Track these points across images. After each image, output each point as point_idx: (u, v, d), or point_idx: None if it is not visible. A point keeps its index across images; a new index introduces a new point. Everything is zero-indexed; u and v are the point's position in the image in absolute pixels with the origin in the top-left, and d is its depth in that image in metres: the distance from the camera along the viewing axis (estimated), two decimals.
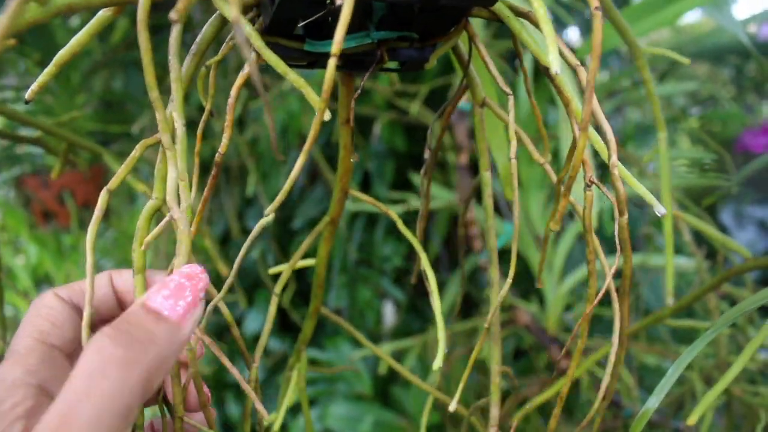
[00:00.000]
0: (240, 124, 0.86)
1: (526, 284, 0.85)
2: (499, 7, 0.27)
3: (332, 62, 0.20)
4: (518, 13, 0.27)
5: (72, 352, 0.25)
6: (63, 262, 0.92)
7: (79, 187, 0.87)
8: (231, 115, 0.25)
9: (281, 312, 0.92)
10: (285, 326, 1.00)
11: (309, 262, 0.40)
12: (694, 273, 0.74)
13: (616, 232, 0.27)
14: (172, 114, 0.24)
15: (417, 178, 0.84)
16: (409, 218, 0.89)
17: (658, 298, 0.86)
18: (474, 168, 0.75)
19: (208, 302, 0.27)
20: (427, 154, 0.37)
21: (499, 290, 0.33)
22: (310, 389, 0.93)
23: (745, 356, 0.36)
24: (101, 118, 0.84)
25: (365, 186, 0.93)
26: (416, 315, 1.02)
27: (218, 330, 1.01)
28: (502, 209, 0.77)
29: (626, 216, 0.26)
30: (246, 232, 1.00)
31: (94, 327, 0.23)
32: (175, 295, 0.22)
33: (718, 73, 1.49)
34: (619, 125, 1.04)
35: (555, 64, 0.21)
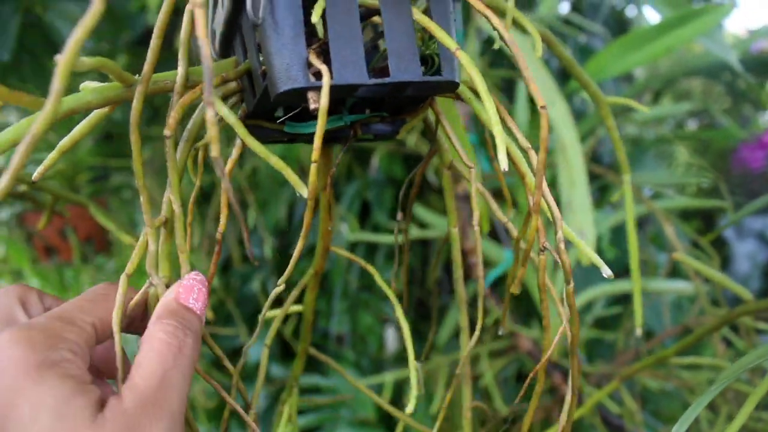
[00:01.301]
0: (239, 156, 0.86)
1: (526, 308, 0.85)
2: (462, 89, 0.29)
3: (313, 168, 0.24)
4: (478, 95, 0.29)
5: None
6: (66, 294, 0.93)
7: (80, 222, 0.88)
8: (225, 197, 0.27)
9: (285, 339, 0.92)
10: (288, 354, 1.01)
11: (297, 308, 0.42)
12: (694, 297, 0.74)
13: (564, 294, 0.29)
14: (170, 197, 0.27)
15: (415, 207, 0.84)
16: (410, 248, 0.90)
17: (659, 320, 0.86)
18: None
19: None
20: (399, 217, 0.39)
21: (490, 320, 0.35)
22: (313, 416, 0.93)
23: (763, 388, 0.36)
24: (101, 151, 0.84)
25: (365, 214, 0.94)
26: (419, 339, 1.02)
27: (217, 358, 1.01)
28: (500, 236, 0.77)
29: (572, 284, 0.28)
30: (247, 260, 1.01)
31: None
32: (190, 293, 0.28)
33: (713, 86, 1.50)
34: (610, 145, 1.04)
35: (503, 163, 0.24)
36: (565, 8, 1.03)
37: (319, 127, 0.23)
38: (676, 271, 0.90)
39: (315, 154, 0.24)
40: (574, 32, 0.85)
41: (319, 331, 0.99)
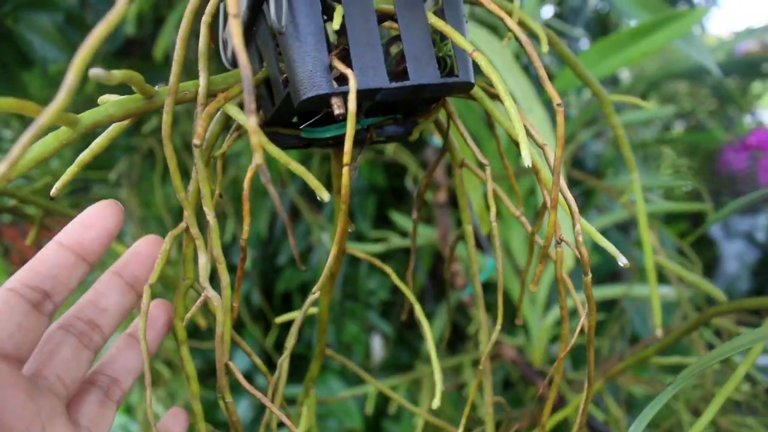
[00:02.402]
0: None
1: (510, 317, 0.84)
2: (474, 90, 0.30)
3: (346, 170, 0.25)
4: (491, 95, 0.30)
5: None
6: None
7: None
8: (247, 204, 0.27)
9: (267, 351, 0.91)
10: (271, 365, 1.00)
11: (292, 315, 0.42)
12: (677, 302, 0.74)
13: (584, 285, 0.29)
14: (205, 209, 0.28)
15: (397, 216, 0.84)
16: (390, 255, 0.89)
17: (645, 324, 0.86)
18: (452, 204, 0.75)
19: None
20: (415, 216, 0.39)
21: (487, 330, 0.37)
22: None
23: (730, 387, 0.36)
24: (92, 164, 0.83)
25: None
26: (405, 347, 1.01)
27: (208, 369, 1.00)
28: (482, 243, 0.77)
29: (590, 276, 0.28)
30: (231, 268, 1.00)
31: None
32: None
33: (699, 88, 1.50)
34: (601, 150, 1.04)
35: (527, 159, 0.24)
36: (547, 13, 1.02)
37: (349, 132, 0.24)
38: (662, 276, 0.90)
39: (346, 157, 0.24)
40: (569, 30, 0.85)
41: (304, 341, 0.98)
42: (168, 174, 0.88)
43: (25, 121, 0.90)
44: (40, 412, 0.24)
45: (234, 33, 0.20)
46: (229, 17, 0.20)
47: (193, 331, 0.91)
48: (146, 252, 0.29)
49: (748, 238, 1.59)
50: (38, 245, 0.93)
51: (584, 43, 1.02)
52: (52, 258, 0.26)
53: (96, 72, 0.22)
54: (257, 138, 0.21)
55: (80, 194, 0.92)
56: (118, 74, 0.23)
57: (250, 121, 0.20)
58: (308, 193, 0.89)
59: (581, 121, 0.78)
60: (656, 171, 1.17)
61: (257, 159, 0.21)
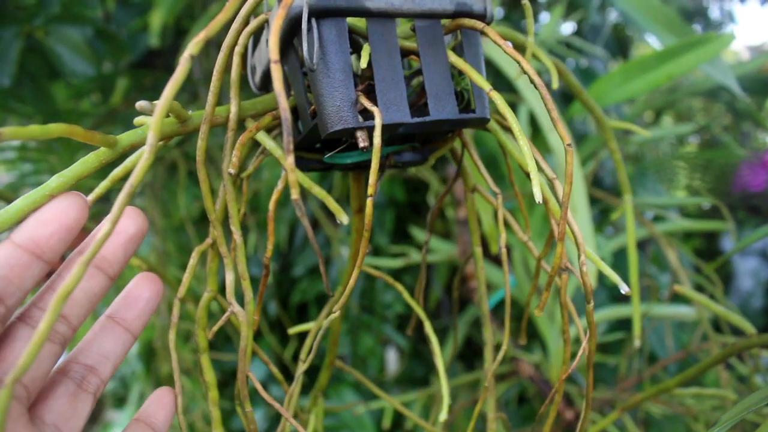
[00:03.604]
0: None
1: (529, 334, 0.84)
2: (490, 123, 0.32)
3: (369, 202, 0.26)
4: (504, 128, 0.31)
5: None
6: None
7: (74, 242, 0.87)
8: (272, 224, 0.29)
9: (284, 362, 0.91)
10: (289, 375, 1.00)
11: (307, 326, 0.43)
12: (696, 321, 0.74)
13: (586, 313, 0.31)
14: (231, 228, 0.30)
15: (416, 231, 0.84)
16: (409, 270, 0.90)
17: (662, 343, 0.86)
18: None
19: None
20: (427, 237, 0.40)
21: (492, 348, 0.39)
22: None
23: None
24: (103, 173, 0.84)
25: None
26: (420, 361, 1.01)
27: (223, 378, 1.00)
28: (502, 261, 0.77)
29: (592, 303, 0.30)
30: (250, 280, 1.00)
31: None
32: None
33: (713, 104, 1.50)
34: (611, 168, 1.04)
35: (538, 196, 0.25)
36: (566, 30, 1.03)
37: (374, 166, 0.25)
38: (678, 294, 0.89)
39: (370, 189, 0.26)
40: (575, 55, 0.85)
41: (319, 353, 0.98)
42: (189, 185, 0.89)
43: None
44: None
45: (275, 78, 0.21)
46: (271, 63, 0.21)
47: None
48: (118, 229, 0.27)
49: (763, 255, 1.58)
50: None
51: (600, 63, 1.02)
52: (2, 258, 0.24)
53: (142, 104, 0.25)
54: (294, 176, 0.22)
55: (102, 204, 0.92)
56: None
57: (288, 159, 0.21)
58: (328, 207, 0.89)
59: (601, 140, 0.78)
60: (670, 187, 1.17)
61: (294, 194, 0.22)
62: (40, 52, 0.69)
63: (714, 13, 1.32)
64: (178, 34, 0.95)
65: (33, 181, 0.88)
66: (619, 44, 1.15)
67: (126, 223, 0.27)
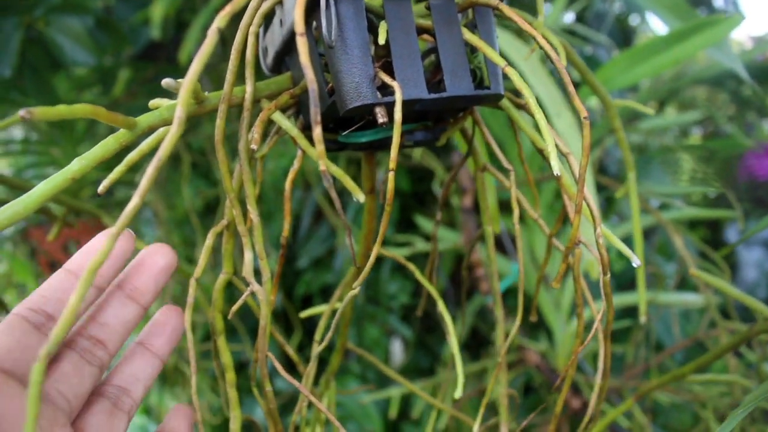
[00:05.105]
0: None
1: (533, 322, 0.84)
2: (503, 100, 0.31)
3: (391, 175, 0.26)
4: (517, 105, 0.31)
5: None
6: None
7: (84, 236, 0.87)
8: (288, 204, 0.30)
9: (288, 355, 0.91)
10: (294, 368, 1.00)
11: (320, 309, 0.44)
12: (703, 308, 0.73)
13: (600, 283, 0.30)
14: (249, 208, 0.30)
15: (421, 220, 0.84)
16: (414, 259, 0.89)
17: (668, 331, 0.85)
18: (477, 209, 0.75)
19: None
20: (438, 217, 0.41)
21: (503, 329, 0.39)
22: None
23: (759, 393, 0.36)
24: (106, 166, 0.84)
25: None
26: (425, 351, 1.01)
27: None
28: (507, 249, 0.77)
29: (609, 275, 0.30)
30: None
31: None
32: None
33: (717, 94, 1.49)
34: (620, 155, 1.04)
35: (556, 170, 0.25)
36: (569, 18, 1.02)
37: (395, 140, 0.25)
38: (684, 282, 0.89)
39: (392, 163, 0.26)
40: (578, 42, 0.85)
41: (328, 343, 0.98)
42: (193, 178, 0.89)
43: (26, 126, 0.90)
44: (39, 420, 0.24)
45: (301, 51, 0.21)
46: (297, 36, 0.22)
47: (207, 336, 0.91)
48: (149, 263, 0.30)
49: (767, 245, 1.57)
50: (63, 246, 0.93)
51: (604, 50, 1.02)
52: (56, 283, 0.27)
53: (168, 81, 0.26)
54: (322, 147, 0.22)
55: (106, 196, 0.92)
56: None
57: (315, 131, 0.22)
58: (331, 200, 0.89)
59: (606, 127, 0.78)
60: (674, 177, 1.16)
61: (321, 166, 0.22)
62: (41, 43, 0.69)
63: (718, 2, 1.31)
64: (179, 27, 0.94)
65: (35, 173, 0.87)
66: (623, 34, 1.14)
67: (156, 257, 0.30)
